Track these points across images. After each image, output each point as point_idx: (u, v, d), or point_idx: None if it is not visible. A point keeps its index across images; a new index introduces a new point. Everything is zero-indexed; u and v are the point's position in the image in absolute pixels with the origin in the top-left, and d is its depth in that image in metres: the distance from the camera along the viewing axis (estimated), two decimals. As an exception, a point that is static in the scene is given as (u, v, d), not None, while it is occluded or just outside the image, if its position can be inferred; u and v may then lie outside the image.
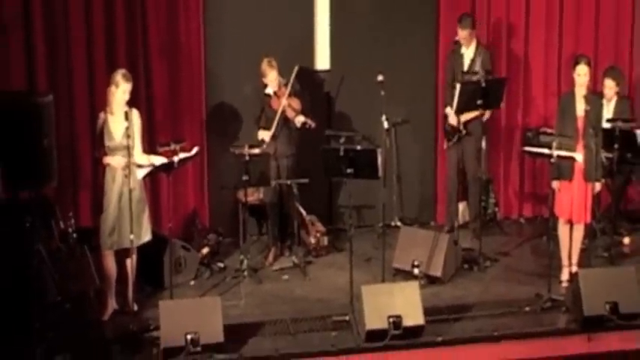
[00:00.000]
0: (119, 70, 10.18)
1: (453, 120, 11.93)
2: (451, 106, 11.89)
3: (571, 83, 10.85)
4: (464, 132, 11.94)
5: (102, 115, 9.99)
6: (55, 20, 11.46)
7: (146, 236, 10.23)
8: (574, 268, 10.74)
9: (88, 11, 11.53)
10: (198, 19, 11.98)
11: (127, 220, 9.91)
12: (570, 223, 10.80)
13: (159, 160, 10.04)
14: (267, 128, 11.24)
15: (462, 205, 12.43)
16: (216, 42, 12.13)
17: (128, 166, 9.84)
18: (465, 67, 11.95)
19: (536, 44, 12.86)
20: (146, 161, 10.00)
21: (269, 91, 11.27)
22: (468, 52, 12.02)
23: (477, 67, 11.78)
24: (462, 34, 11.94)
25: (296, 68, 11.19)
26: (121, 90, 9.88)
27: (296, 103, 11.27)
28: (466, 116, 11.83)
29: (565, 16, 12.82)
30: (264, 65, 11.20)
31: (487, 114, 11.86)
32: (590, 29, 12.85)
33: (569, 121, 10.63)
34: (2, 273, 9.74)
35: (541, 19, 12.80)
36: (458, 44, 12.09)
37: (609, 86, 11.54)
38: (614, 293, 9.97)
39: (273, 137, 11.21)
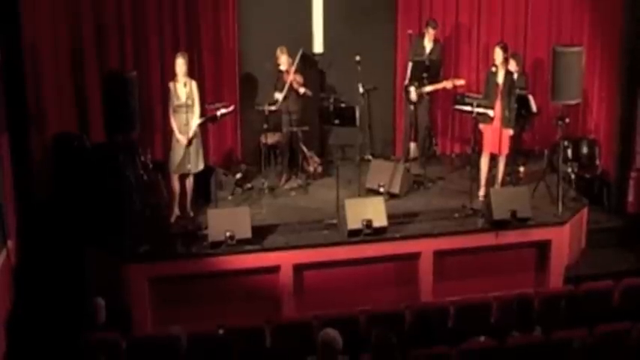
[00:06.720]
0: (180, 52, 10.35)
1: (413, 96, 11.58)
2: (414, 86, 11.58)
3: (490, 62, 10.82)
4: (426, 98, 11.74)
5: (171, 84, 10.06)
6: (137, 21, 11.34)
7: (201, 166, 10.27)
8: (498, 187, 10.78)
9: (159, 13, 11.41)
10: (234, 17, 11.80)
11: (188, 155, 10.02)
12: (491, 156, 10.81)
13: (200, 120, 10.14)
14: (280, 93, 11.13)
15: (412, 145, 12.25)
16: (245, 33, 11.94)
17: (187, 119, 9.95)
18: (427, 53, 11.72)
19: (463, 35, 12.65)
20: (197, 121, 10.07)
21: (282, 68, 11.17)
22: (428, 44, 11.79)
23: (435, 56, 11.62)
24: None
25: (300, 52, 11.05)
26: (180, 62, 9.99)
27: (300, 78, 11.17)
28: (428, 88, 11.61)
29: (482, 16, 12.59)
30: (278, 52, 11.13)
31: (449, 85, 11.63)
32: (497, 25, 12.60)
33: (493, 87, 10.61)
34: (104, 191, 9.86)
35: (465, 17, 12.56)
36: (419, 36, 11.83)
37: (512, 65, 11.46)
38: (513, 204, 10.11)
39: (285, 99, 11.06)
